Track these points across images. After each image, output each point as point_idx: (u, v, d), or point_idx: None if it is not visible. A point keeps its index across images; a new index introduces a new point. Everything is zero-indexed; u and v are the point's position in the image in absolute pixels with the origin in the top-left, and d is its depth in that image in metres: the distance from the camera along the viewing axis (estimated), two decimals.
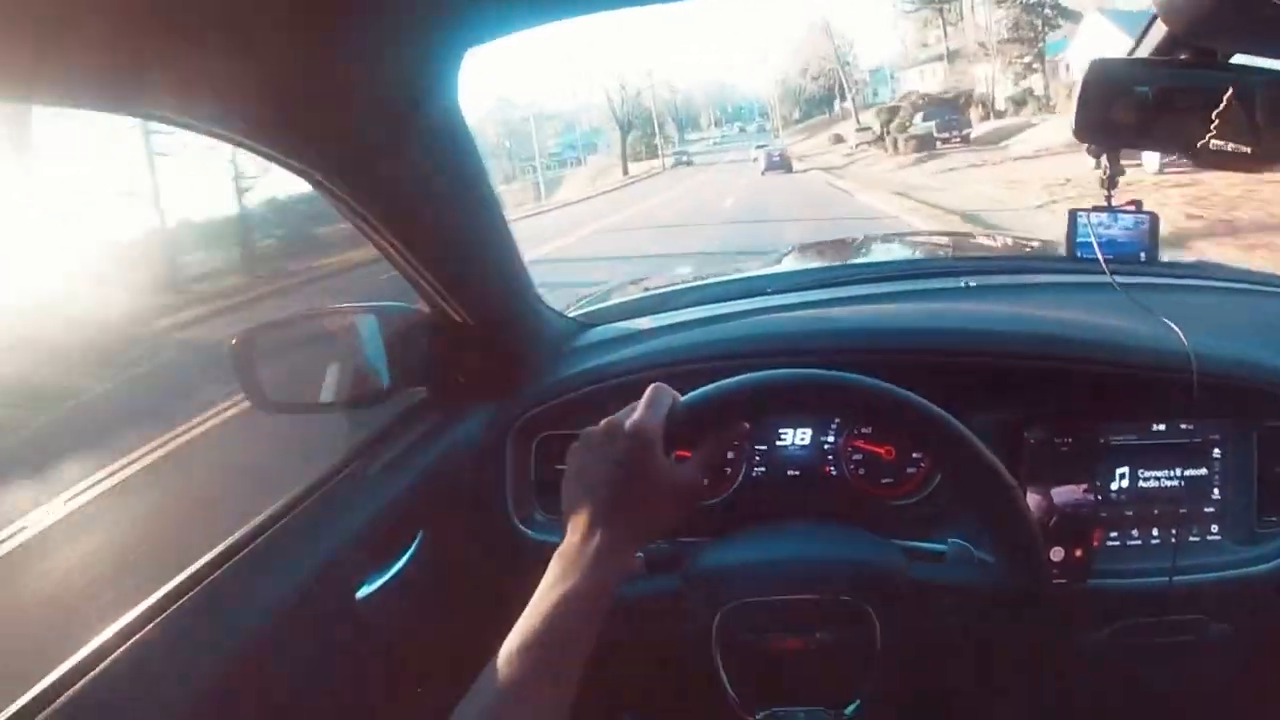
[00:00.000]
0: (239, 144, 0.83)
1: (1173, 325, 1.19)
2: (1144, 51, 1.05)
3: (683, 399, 0.87)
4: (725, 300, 1.50)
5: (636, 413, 0.85)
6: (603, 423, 0.85)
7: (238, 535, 0.97)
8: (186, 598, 0.87)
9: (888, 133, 39.19)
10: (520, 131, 72.64)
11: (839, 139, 51.36)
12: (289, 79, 0.77)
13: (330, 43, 0.76)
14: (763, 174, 35.61)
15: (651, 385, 0.88)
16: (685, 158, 62.83)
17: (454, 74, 0.88)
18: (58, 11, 0.59)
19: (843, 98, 65.76)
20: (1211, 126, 0.94)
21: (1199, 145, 0.95)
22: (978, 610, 0.94)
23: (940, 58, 52.24)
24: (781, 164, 37.01)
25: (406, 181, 0.99)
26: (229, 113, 0.79)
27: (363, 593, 1.07)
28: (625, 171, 61.44)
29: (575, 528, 0.80)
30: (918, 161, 28.66)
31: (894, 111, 42.32)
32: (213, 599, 0.89)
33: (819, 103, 76.26)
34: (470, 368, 1.27)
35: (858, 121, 49.86)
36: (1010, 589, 0.90)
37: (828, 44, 65.52)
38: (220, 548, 0.95)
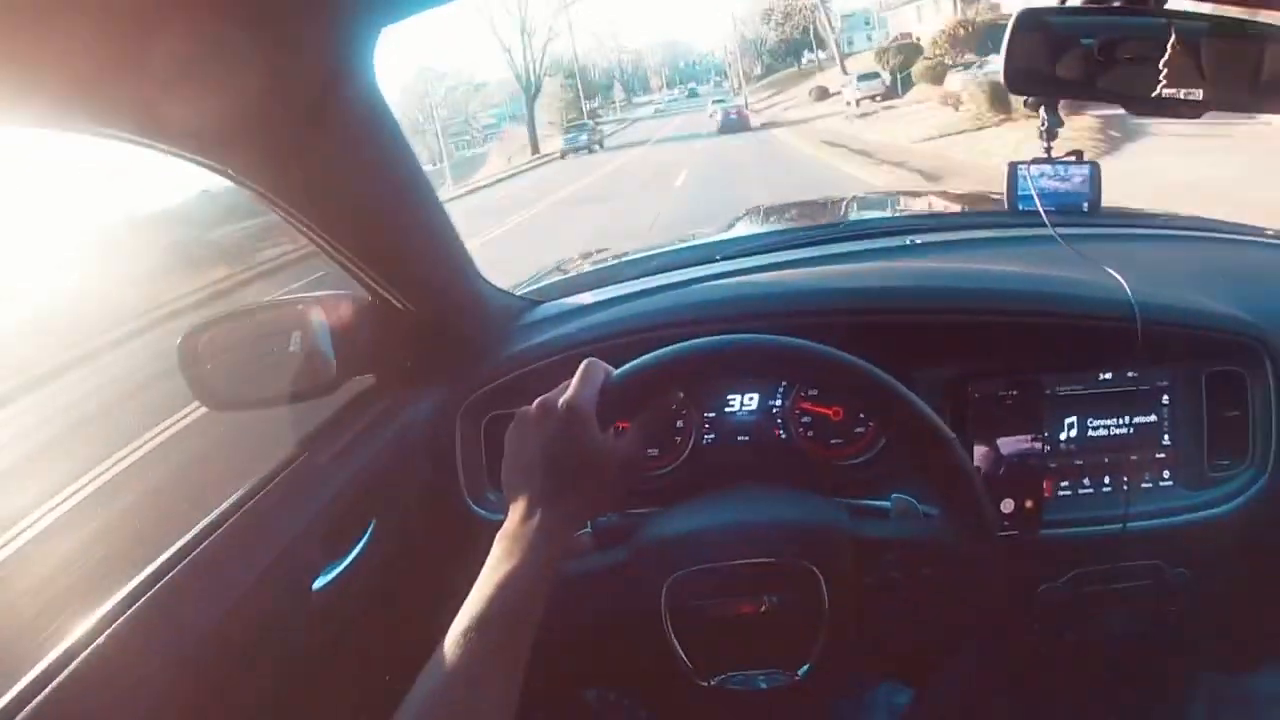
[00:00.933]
0: (147, 146, 0.81)
1: (1116, 274, 1.19)
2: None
3: (615, 372, 0.87)
4: (674, 269, 1.50)
5: (569, 390, 0.85)
6: (536, 402, 0.86)
7: (192, 533, 0.97)
8: (144, 598, 0.86)
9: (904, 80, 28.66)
10: (451, 102, 65.97)
11: (824, 93, 38.61)
12: (196, 69, 0.75)
13: (236, 29, 0.74)
14: (719, 132, 32.38)
15: (584, 361, 0.88)
16: (586, 141, 38.15)
17: (369, 54, 0.86)
18: None
19: (816, 46, 56.86)
20: (1160, 76, 0.94)
21: (1152, 95, 0.95)
22: (925, 564, 0.94)
23: None
24: (739, 122, 33.34)
25: (328, 170, 0.97)
26: (133, 114, 0.77)
27: (319, 584, 1.07)
28: (535, 149, 45.64)
29: (515, 508, 0.81)
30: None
31: (910, 50, 31.56)
32: (169, 599, 0.88)
33: (784, 55, 67.48)
34: (417, 352, 1.26)
35: (844, 69, 38.39)
36: (955, 542, 0.91)
37: None
38: (175, 547, 0.94)
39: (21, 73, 0.66)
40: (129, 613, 0.84)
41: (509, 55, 54.98)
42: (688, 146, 28.57)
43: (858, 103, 28.83)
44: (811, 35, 58.37)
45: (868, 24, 58.06)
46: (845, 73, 37.04)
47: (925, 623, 0.98)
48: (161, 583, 0.89)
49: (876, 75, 30.75)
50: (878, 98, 28.93)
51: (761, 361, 0.92)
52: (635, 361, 0.87)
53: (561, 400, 0.84)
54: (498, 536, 0.80)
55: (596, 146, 38.00)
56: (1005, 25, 0.98)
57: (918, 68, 29.05)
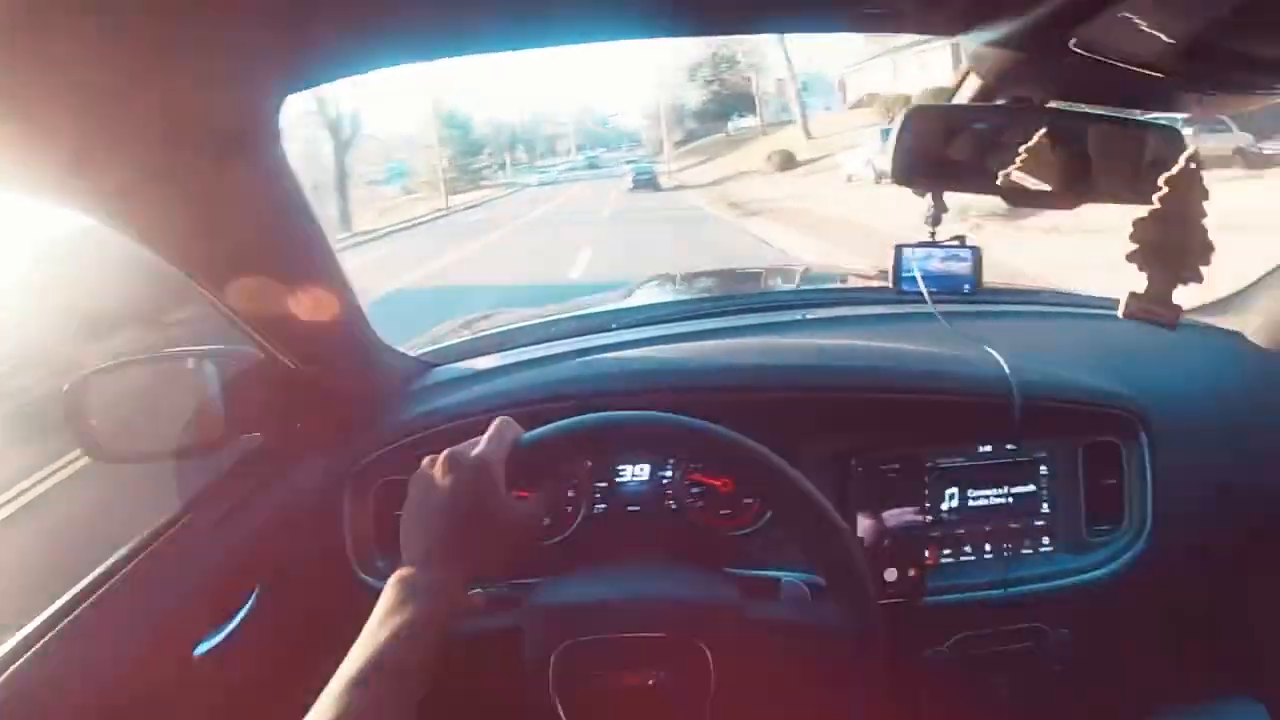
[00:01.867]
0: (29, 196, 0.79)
1: (993, 352, 1.25)
2: (962, 99, 1.10)
3: (526, 435, 0.88)
4: (571, 336, 1.51)
5: (480, 445, 0.85)
6: (444, 453, 0.84)
7: (70, 594, 0.94)
8: (21, 660, 0.83)
9: None
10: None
11: (789, 160, 30.31)
12: (89, 121, 0.74)
13: (141, 88, 0.72)
14: (630, 190, 33.20)
15: (497, 419, 0.88)
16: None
17: (274, 119, 0.86)
18: None
19: (752, 109, 51.74)
20: (1017, 160, 0.99)
21: (999, 181, 1.00)
22: (812, 649, 0.96)
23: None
24: (650, 182, 34.63)
25: (223, 226, 0.95)
26: (20, 164, 0.76)
27: (201, 650, 1.04)
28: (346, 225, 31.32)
29: (411, 557, 0.80)
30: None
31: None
32: (45, 661, 0.85)
33: (710, 116, 57.91)
34: (307, 413, 1.24)
35: (807, 133, 33.61)
36: (843, 630, 0.93)
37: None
38: (52, 609, 0.91)
39: None
40: (5, 674, 0.81)
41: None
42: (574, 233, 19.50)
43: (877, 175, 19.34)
44: (756, 94, 51.83)
45: (829, 87, 49.92)
46: (810, 136, 33.46)
47: (812, 702, 1.00)
48: (37, 646, 0.86)
49: None
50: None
51: (672, 442, 0.93)
52: (548, 426, 0.88)
53: (471, 454, 0.83)
54: (389, 583, 0.78)
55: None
56: None
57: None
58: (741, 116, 55.70)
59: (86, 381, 1.10)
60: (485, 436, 0.86)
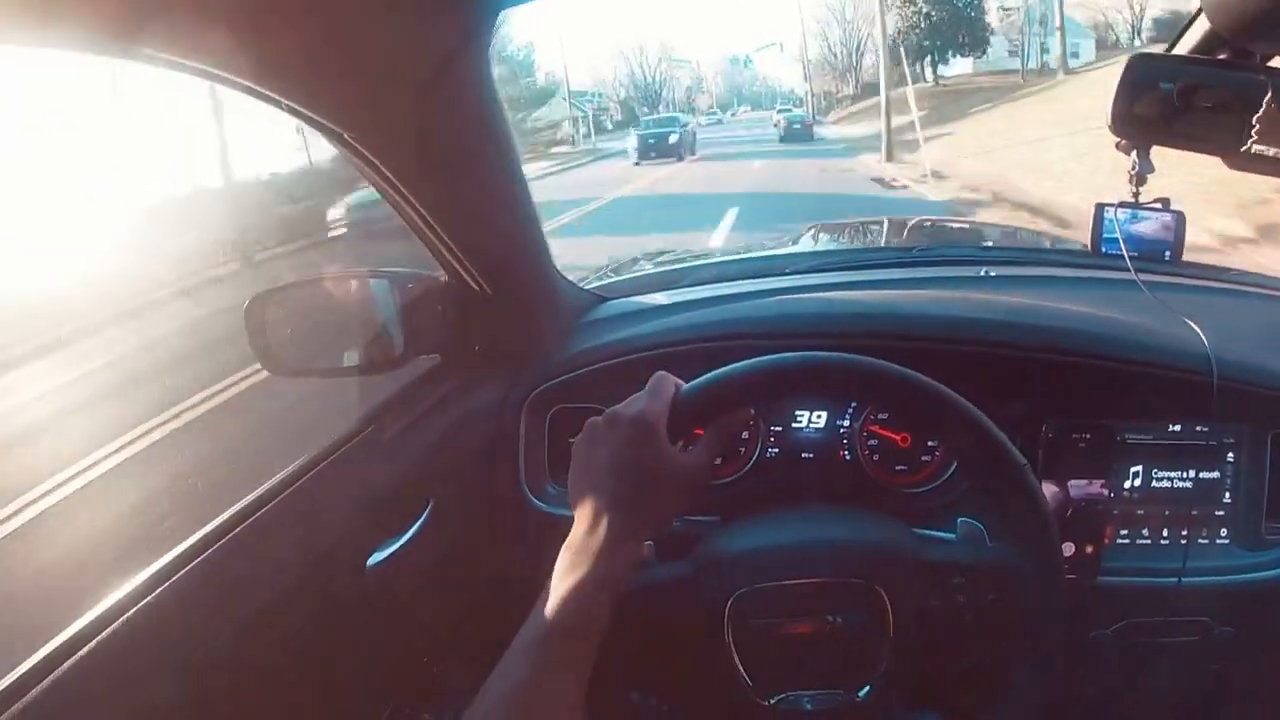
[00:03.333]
0: (269, 99, 0.81)
1: (1194, 326, 1.18)
2: (1184, 48, 1.04)
3: (685, 386, 0.87)
4: (741, 278, 1.49)
5: (639, 402, 0.85)
6: (605, 413, 0.85)
7: (249, 499, 0.97)
8: (198, 560, 0.86)
9: None
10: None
11: None
12: (321, 35, 0.76)
13: (364, 1, 0.75)
14: (780, 141, 30.35)
15: (655, 374, 0.88)
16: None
17: (487, 36, 0.87)
18: None
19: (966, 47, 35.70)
20: (1252, 131, 0.93)
21: (1241, 149, 0.94)
22: (990, 591, 0.93)
23: None
24: (803, 133, 30.98)
25: (432, 145, 0.98)
26: (261, 65, 0.78)
27: (373, 560, 1.07)
28: None
29: (582, 519, 0.80)
30: None
31: None
32: (225, 563, 0.88)
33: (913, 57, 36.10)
34: (486, 336, 1.26)
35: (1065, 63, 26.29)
36: (1020, 570, 0.90)
37: None
38: (232, 510, 0.94)
39: (172, 11, 0.67)
40: (182, 572, 0.84)
41: None
42: None
43: None
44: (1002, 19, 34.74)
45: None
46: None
47: (983, 651, 0.97)
48: (218, 544, 0.89)
49: None
50: None
51: (837, 380, 0.90)
52: (708, 375, 0.86)
53: (631, 411, 0.83)
54: (563, 548, 0.79)
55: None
56: None
57: None
58: (953, 59, 39.48)
59: (265, 299, 1.13)
60: (645, 391, 0.86)
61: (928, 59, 39.51)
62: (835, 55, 57.20)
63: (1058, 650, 1.10)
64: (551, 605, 0.74)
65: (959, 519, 1.02)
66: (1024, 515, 0.89)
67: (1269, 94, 0.92)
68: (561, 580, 0.76)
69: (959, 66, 39.94)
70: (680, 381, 0.87)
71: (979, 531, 1.00)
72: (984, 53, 38.55)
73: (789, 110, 39.96)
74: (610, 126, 63.21)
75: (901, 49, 35.01)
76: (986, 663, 0.97)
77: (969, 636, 0.95)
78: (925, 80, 38.65)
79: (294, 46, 0.76)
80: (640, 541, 0.82)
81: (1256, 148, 0.94)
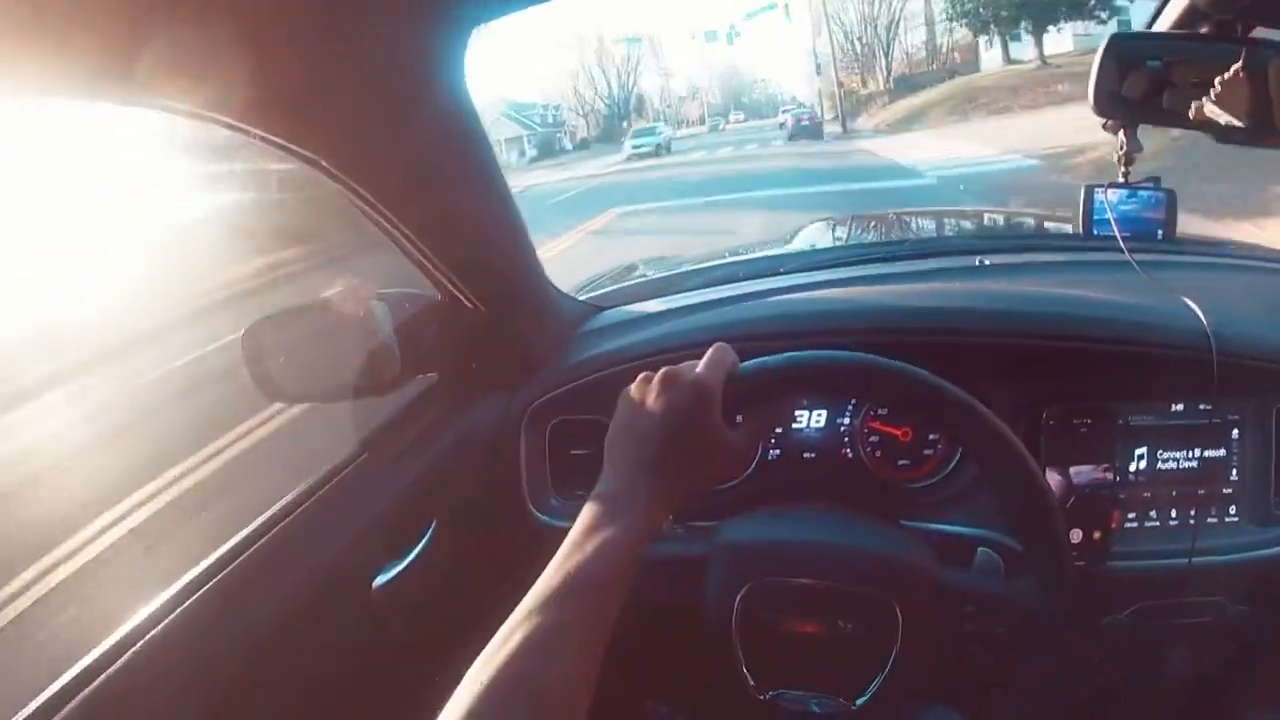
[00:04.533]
0: (241, 131, 0.82)
1: (1191, 304, 1.17)
2: (1163, 24, 1.03)
3: (744, 364, 0.86)
4: (737, 281, 1.49)
5: (699, 367, 0.83)
6: (662, 370, 0.83)
7: (253, 526, 0.98)
8: (205, 589, 0.87)
9: None
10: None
11: None
12: (291, 62, 0.76)
13: (333, 23, 0.75)
14: (790, 139, 29.00)
15: (715, 345, 0.86)
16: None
17: (460, 53, 0.87)
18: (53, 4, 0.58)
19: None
20: (1211, 94, 0.92)
21: (1192, 115, 0.94)
22: (1001, 624, 0.93)
23: None
24: (811, 129, 29.61)
25: (413, 166, 0.98)
26: (230, 99, 0.78)
27: (378, 581, 1.08)
28: None
29: (619, 472, 0.78)
30: None
31: None
32: (231, 591, 0.89)
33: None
34: (482, 354, 1.27)
35: None
36: (1034, 609, 0.90)
37: None
38: (236, 539, 0.95)
39: (134, 56, 0.67)
40: (189, 602, 0.85)
41: None
42: None
43: None
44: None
45: None
46: None
47: (984, 671, 0.97)
48: (223, 573, 0.90)
49: None
50: None
51: (895, 389, 0.89)
52: (767, 358, 0.86)
53: (690, 375, 0.81)
54: (593, 496, 0.76)
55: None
56: None
57: None
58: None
59: (262, 325, 1.14)
60: (704, 360, 0.84)
61: (1020, 29, 29.34)
62: (853, 42, 41.52)
63: (1068, 646, 1.09)
64: (576, 560, 0.70)
65: (979, 548, 1.01)
66: (1035, 534, 0.88)
67: (1239, 62, 0.91)
68: (587, 534, 0.72)
69: (1057, 42, 28.75)
70: (737, 357, 0.86)
71: (996, 564, 1.00)
72: (1107, 18, 25.94)
73: (795, 109, 37.13)
74: (570, 146, 53.18)
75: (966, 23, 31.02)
76: (994, 683, 0.97)
77: (975, 659, 0.95)
78: (1020, 62, 29.65)
79: (266, 79, 0.77)
80: (675, 507, 0.79)
81: (1209, 108, 0.93)
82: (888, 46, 41.51)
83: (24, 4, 0.57)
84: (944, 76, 35.74)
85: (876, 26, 41.40)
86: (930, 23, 39.40)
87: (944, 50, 39.32)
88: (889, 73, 40.64)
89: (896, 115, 29.50)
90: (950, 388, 0.84)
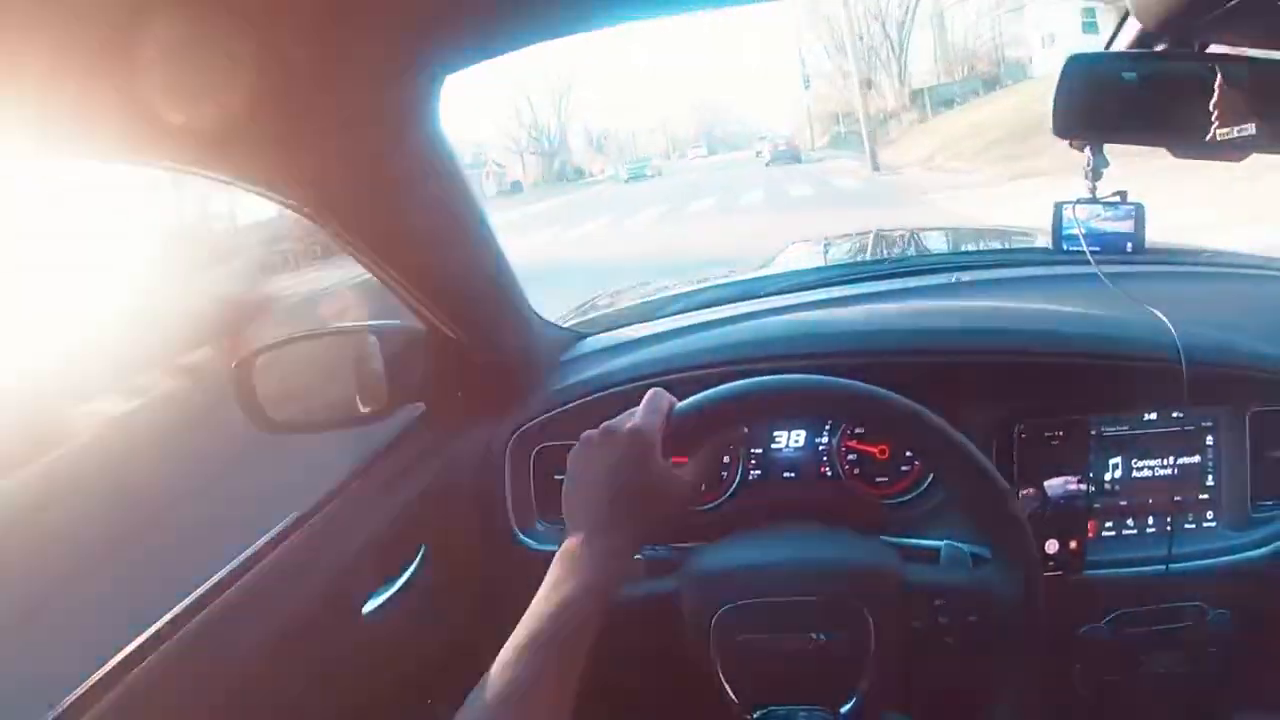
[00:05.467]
0: (222, 181, 0.84)
1: (1160, 314, 1.19)
2: (1121, 44, 1.06)
3: (679, 404, 0.89)
4: (717, 304, 1.51)
5: (635, 417, 0.86)
6: (601, 426, 0.87)
7: (243, 556, 0.99)
8: (194, 621, 0.88)
9: None
10: None
11: None
12: (268, 112, 0.79)
13: (314, 77, 0.78)
14: (767, 165, 29.22)
15: (650, 390, 0.90)
16: None
17: (435, 98, 0.90)
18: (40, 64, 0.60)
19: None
20: (1213, 117, 0.95)
21: (1206, 138, 0.96)
22: (972, 612, 0.95)
23: None
24: (789, 153, 30.01)
25: (394, 205, 1.01)
26: (210, 152, 0.81)
27: (368, 608, 1.09)
28: None
29: (576, 529, 0.82)
30: None
31: None
32: (222, 616, 0.90)
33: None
34: (468, 383, 1.29)
35: None
36: (1004, 595, 0.92)
37: None
38: (226, 570, 0.96)
39: (99, 109, 0.70)
40: (179, 634, 0.86)
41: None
42: None
43: None
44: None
45: None
46: None
47: (967, 667, 0.99)
48: (214, 604, 0.91)
49: None
50: None
51: (828, 404, 0.93)
52: (702, 394, 0.89)
53: (627, 426, 0.85)
54: (557, 556, 0.80)
55: None
56: None
57: None
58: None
59: (253, 358, 1.16)
60: (640, 408, 0.88)
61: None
62: (858, 41, 29.62)
63: (1047, 651, 1.11)
64: (544, 613, 0.75)
65: (944, 542, 1.04)
66: (997, 525, 0.91)
67: (1218, 78, 0.94)
68: (555, 589, 0.77)
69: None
70: (674, 399, 0.90)
71: (963, 555, 1.02)
72: None
73: (771, 136, 35.48)
74: (490, 192, 44.30)
75: None
76: (972, 678, 0.98)
77: (953, 652, 0.97)
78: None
79: (244, 131, 0.79)
80: (632, 553, 0.83)
81: (1220, 133, 0.95)
82: (899, 47, 32.62)
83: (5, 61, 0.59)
84: (978, 87, 29.28)
85: (885, 24, 33.09)
86: (939, 25, 30.55)
87: (975, 55, 30.09)
88: (903, 83, 32.78)
89: (950, 142, 21.45)
90: (881, 391, 0.87)
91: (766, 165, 29.27)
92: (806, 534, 1.12)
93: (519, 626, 0.75)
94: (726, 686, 0.99)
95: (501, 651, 0.73)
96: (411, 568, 1.16)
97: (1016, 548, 0.90)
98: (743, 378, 0.90)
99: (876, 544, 1.08)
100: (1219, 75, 0.93)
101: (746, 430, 1.27)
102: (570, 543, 0.81)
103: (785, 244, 2.26)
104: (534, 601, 0.77)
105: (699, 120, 79.00)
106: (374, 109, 0.87)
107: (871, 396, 0.88)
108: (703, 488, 1.27)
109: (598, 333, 1.48)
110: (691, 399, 0.89)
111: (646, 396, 0.89)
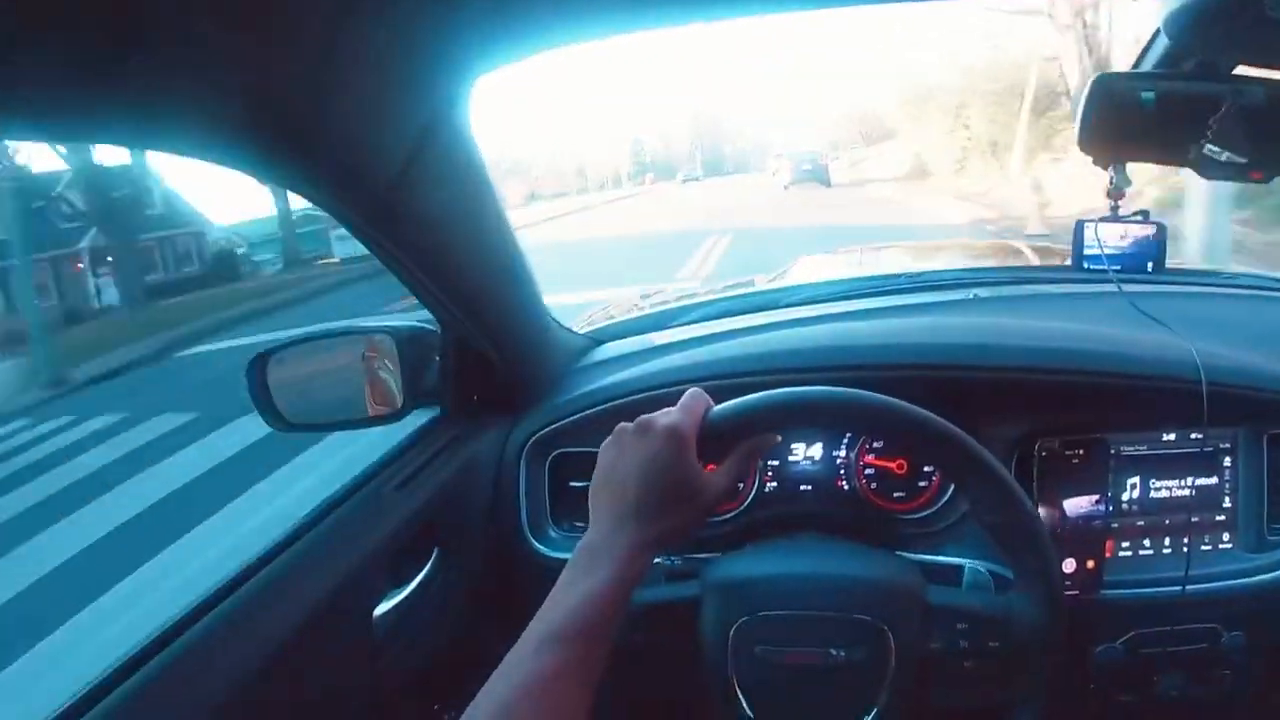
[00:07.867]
0: (256, 177, 0.84)
1: (1181, 334, 1.19)
2: (1148, 65, 1.06)
3: (715, 408, 0.88)
4: (735, 314, 1.51)
5: (672, 414, 0.85)
6: (637, 420, 0.85)
7: (255, 555, 0.98)
8: (206, 617, 0.88)
9: None
10: None
11: None
12: (302, 112, 0.79)
13: (339, 76, 0.78)
14: (786, 188, 25.46)
15: (689, 390, 0.89)
16: None
17: (464, 102, 0.90)
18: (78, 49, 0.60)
19: None
20: (1208, 133, 0.95)
21: (1191, 155, 0.96)
22: (993, 638, 0.95)
23: None
24: (817, 173, 25.64)
25: (420, 207, 1.00)
26: (245, 149, 0.81)
27: (380, 610, 1.09)
28: None
29: (602, 522, 0.81)
30: None
31: None
32: (234, 617, 0.90)
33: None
34: (484, 386, 1.29)
35: None
36: (1026, 624, 0.92)
37: None
38: (238, 567, 0.96)
39: (168, 106, 0.70)
40: (188, 633, 0.86)
41: None
42: None
43: None
44: None
45: None
46: None
47: (984, 689, 0.98)
48: (227, 599, 0.91)
49: None
50: None
51: (866, 420, 0.92)
52: (741, 399, 0.88)
53: (663, 422, 0.83)
54: (578, 548, 0.79)
55: None
56: None
57: None
58: None
59: (266, 356, 1.16)
60: (678, 406, 0.86)
61: None
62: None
63: (1065, 671, 1.10)
64: (565, 606, 0.73)
65: (968, 565, 1.03)
66: (1024, 553, 0.91)
67: (1229, 100, 0.94)
68: (575, 582, 0.75)
69: None
70: (711, 401, 0.88)
71: (985, 578, 1.02)
72: None
73: (794, 152, 29.87)
74: None
75: None
76: (989, 699, 0.98)
77: (972, 674, 0.96)
78: None
79: (283, 130, 0.79)
80: (655, 552, 0.82)
81: (1209, 148, 0.95)
82: None
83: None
84: None
85: None
86: None
87: None
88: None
89: None
90: (918, 410, 0.87)
91: (785, 188, 25.63)
92: (827, 548, 1.12)
93: (536, 618, 0.73)
94: (741, 698, 0.99)
95: (519, 642, 0.71)
96: (424, 571, 1.16)
97: (1043, 576, 0.90)
98: (764, 388, 0.89)
99: (899, 561, 1.08)
100: (1230, 98, 0.93)
101: (780, 439, 1.26)
102: (592, 536, 0.80)
103: (796, 258, 2.26)
104: (552, 593, 0.75)
105: (697, 131, 72.63)
106: (406, 109, 0.87)
107: (908, 415, 0.87)
108: (734, 494, 1.26)
109: (614, 340, 1.48)
110: (729, 403, 0.88)
111: (686, 395, 0.88)
